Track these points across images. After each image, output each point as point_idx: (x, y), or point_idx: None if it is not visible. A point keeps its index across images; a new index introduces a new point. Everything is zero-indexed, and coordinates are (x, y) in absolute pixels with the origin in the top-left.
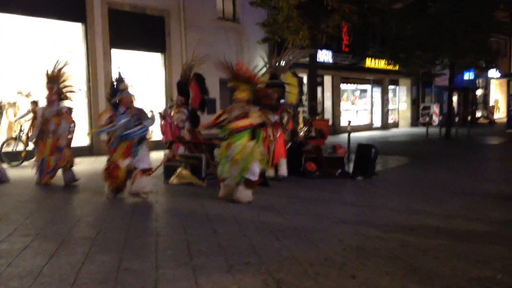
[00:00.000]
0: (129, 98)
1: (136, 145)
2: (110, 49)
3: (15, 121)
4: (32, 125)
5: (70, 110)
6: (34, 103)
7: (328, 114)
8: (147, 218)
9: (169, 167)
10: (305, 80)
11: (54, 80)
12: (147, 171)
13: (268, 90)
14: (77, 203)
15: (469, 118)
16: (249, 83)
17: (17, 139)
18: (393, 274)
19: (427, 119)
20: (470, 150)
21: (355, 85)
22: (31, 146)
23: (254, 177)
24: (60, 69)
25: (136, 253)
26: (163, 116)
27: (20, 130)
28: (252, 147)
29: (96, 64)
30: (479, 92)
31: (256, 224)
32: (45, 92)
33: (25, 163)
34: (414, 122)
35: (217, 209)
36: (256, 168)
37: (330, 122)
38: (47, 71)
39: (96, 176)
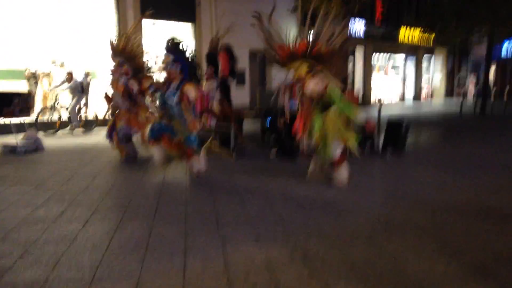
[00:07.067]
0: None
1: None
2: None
3: (50, 90)
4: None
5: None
6: (70, 73)
7: (359, 85)
8: (177, 187)
9: None
10: None
11: (121, 54)
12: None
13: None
14: (110, 171)
15: (506, 90)
16: (305, 55)
17: (52, 108)
18: (421, 247)
19: (463, 90)
20: (505, 127)
21: (388, 54)
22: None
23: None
24: (128, 42)
25: (166, 221)
26: None
27: (55, 100)
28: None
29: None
30: None
31: (283, 196)
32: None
33: (59, 132)
34: (449, 93)
35: (244, 181)
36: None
37: (361, 93)
38: (112, 42)
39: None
